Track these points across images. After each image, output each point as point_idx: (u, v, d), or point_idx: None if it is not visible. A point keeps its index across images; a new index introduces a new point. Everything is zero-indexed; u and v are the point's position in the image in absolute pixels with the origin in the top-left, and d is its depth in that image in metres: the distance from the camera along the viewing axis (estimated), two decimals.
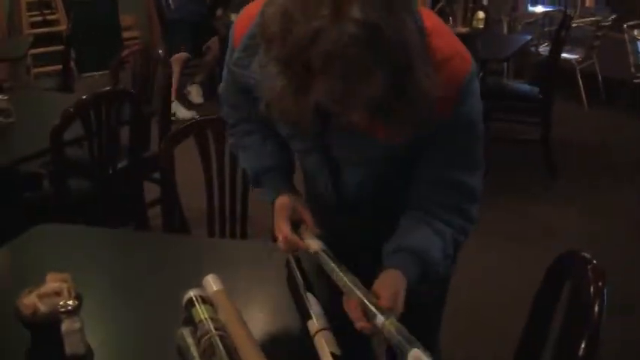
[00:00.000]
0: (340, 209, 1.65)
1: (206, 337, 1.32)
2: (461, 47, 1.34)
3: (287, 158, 1.67)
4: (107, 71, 3.92)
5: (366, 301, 1.27)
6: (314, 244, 1.46)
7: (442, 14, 5.59)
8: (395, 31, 1.07)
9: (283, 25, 1.09)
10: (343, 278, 1.35)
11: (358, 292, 1.30)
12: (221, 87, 1.68)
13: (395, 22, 1.08)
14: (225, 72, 1.61)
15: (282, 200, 1.57)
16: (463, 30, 5.12)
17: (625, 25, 6.03)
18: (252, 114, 1.60)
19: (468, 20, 5.82)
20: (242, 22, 1.46)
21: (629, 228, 4.09)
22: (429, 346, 1.88)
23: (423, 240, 1.42)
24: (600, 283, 1.28)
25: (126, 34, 7.79)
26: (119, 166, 2.98)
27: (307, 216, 1.54)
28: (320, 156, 1.53)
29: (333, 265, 1.39)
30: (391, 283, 1.34)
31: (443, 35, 1.32)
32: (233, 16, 6.06)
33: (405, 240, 1.42)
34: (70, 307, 1.32)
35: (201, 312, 1.40)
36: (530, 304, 1.57)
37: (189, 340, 1.34)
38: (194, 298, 1.44)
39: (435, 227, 1.43)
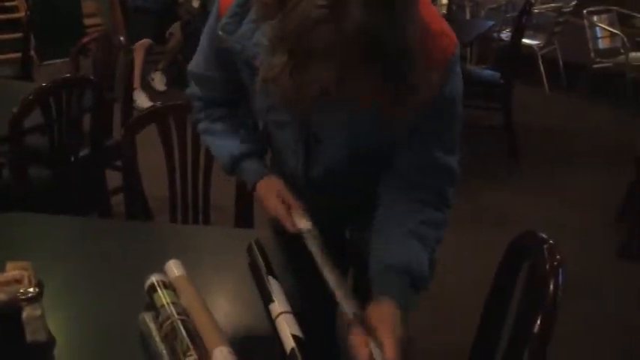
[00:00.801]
0: (309, 188, 1.65)
1: (168, 322, 1.32)
2: (447, 27, 1.36)
3: (260, 143, 1.68)
4: (69, 59, 3.87)
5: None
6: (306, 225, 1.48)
7: None
8: (400, 16, 1.06)
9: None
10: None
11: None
12: (192, 64, 1.66)
13: (390, 23, 1.06)
14: (201, 47, 1.60)
15: (267, 182, 1.61)
16: None
17: (585, 12, 6.11)
18: (224, 90, 1.63)
19: None
20: None
21: (591, 213, 4.16)
22: None
23: (410, 255, 1.39)
24: (556, 262, 1.31)
25: (88, 21, 7.68)
26: (81, 154, 2.96)
27: (292, 198, 1.55)
28: (297, 129, 1.52)
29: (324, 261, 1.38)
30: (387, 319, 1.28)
31: (431, 14, 1.33)
32: (195, 2, 6.02)
33: (391, 257, 1.39)
34: (30, 295, 1.32)
35: (163, 297, 1.40)
36: (491, 285, 1.60)
37: (151, 325, 1.34)
38: (156, 283, 1.45)
39: (417, 232, 1.41)
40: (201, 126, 1.73)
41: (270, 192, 1.57)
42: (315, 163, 1.58)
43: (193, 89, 1.71)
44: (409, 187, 1.46)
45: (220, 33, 1.44)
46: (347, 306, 1.27)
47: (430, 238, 1.43)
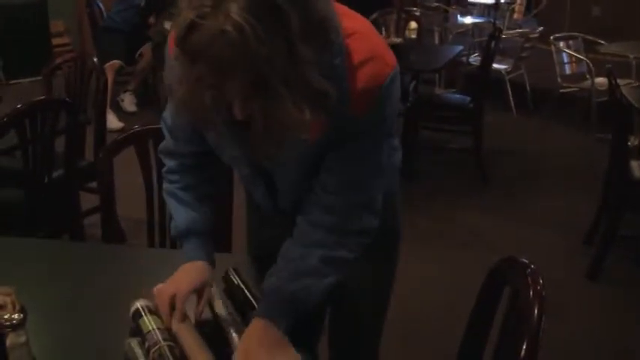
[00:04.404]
0: (279, 219, 1.66)
1: (155, 348, 1.32)
2: (382, 50, 1.34)
3: (215, 223, 1.69)
4: (36, 78, 3.84)
5: None
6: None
7: (375, 25, 5.68)
8: (260, 43, 1.06)
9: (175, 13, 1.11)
10: None
11: None
12: (165, 113, 1.65)
13: (265, 36, 1.06)
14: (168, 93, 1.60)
15: (195, 270, 1.57)
16: (397, 40, 5.20)
17: (551, 38, 6.23)
18: (193, 140, 1.59)
19: (401, 30, 5.93)
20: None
21: (558, 234, 4.22)
22: (371, 351, 1.94)
23: (299, 289, 1.44)
24: (539, 287, 1.33)
25: (56, 41, 7.63)
26: (54, 175, 2.94)
27: (202, 302, 1.54)
28: (251, 163, 1.52)
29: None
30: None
31: (363, 38, 1.32)
32: (166, 24, 6.01)
33: (282, 283, 1.46)
34: (14, 321, 1.30)
35: (149, 322, 1.40)
36: (470, 311, 1.62)
37: (138, 351, 1.34)
38: (141, 309, 1.44)
39: (314, 268, 1.45)
40: (168, 187, 1.70)
41: (177, 278, 1.55)
42: (279, 192, 1.58)
43: (167, 143, 1.69)
44: (326, 220, 1.46)
45: (168, 76, 1.43)
46: None
47: (325, 275, 1.46)
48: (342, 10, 1.28)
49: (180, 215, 1.65)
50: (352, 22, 1.30)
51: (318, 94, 1.15)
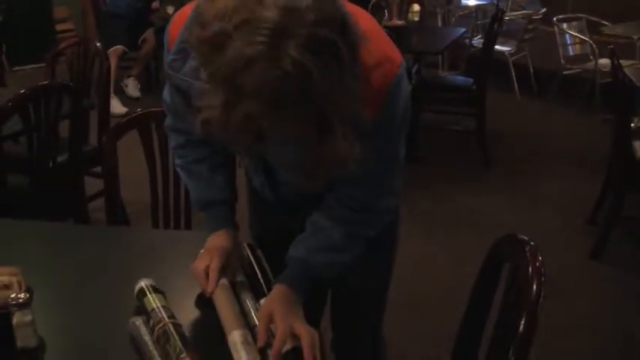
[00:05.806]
0: (278, 205, 1.70)
1: (160, 325, 1.34)
2: (390, 49, 1.35)
3: (233, 190, 1.71)
4: (40, 65, 3.84)
5: None
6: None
7: (378, 8, 5.66)
8: (321, 81, 1.04)
9: (218, 38, 1.05)
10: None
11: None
12: (164, 92, 1.65)
13: (325, 72, 1.04)
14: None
15: (214, 239, 1.62)
16: (399, 23, 5.18)
17: (555, 19, 6.21)
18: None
19: (403, 13, 5.90)
20: (176, 23, 1.42)
21: (562, 215, 4.23)
22: (373, 332, 1.96)
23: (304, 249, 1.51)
24: (537, 264, 1.35)
25: (59, 27, 7.63)
26: (59, 160, 2.95)
27: (235, 264, 1.59)
28: (256, 158, 1.55)
29: None
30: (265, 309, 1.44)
31: (372, 39, 1.28)
32: (169, 9, 6.01)
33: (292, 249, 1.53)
34: (21, 300, 1.32)
35: (153, 301, 1.42)
36: (471, 288, 1.64)
37: (143, 329, 1.36)
38: (145, 288, 1.46)
39: (337, 244, 1.51)
40: (179, 162, 1.71)
41: (207, 251, 1.58)
42: (278, 184, 1.61)
43: (170, 120, 1.70)
44: (335, 199, 1.50)
45: (168, 70, 1.43)
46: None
47: (348, 250, 1.54)
48: (350, 8, 1.22)
49: (196, 189, 1.68)
50: (360, 21, 1.25)
51: (360, 121, 1.15)
